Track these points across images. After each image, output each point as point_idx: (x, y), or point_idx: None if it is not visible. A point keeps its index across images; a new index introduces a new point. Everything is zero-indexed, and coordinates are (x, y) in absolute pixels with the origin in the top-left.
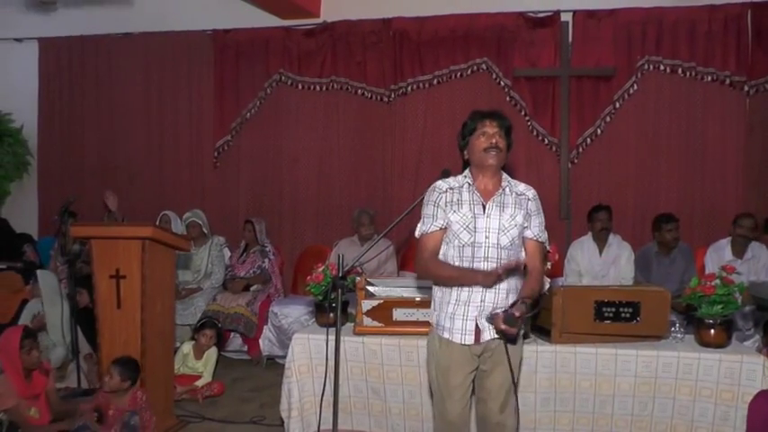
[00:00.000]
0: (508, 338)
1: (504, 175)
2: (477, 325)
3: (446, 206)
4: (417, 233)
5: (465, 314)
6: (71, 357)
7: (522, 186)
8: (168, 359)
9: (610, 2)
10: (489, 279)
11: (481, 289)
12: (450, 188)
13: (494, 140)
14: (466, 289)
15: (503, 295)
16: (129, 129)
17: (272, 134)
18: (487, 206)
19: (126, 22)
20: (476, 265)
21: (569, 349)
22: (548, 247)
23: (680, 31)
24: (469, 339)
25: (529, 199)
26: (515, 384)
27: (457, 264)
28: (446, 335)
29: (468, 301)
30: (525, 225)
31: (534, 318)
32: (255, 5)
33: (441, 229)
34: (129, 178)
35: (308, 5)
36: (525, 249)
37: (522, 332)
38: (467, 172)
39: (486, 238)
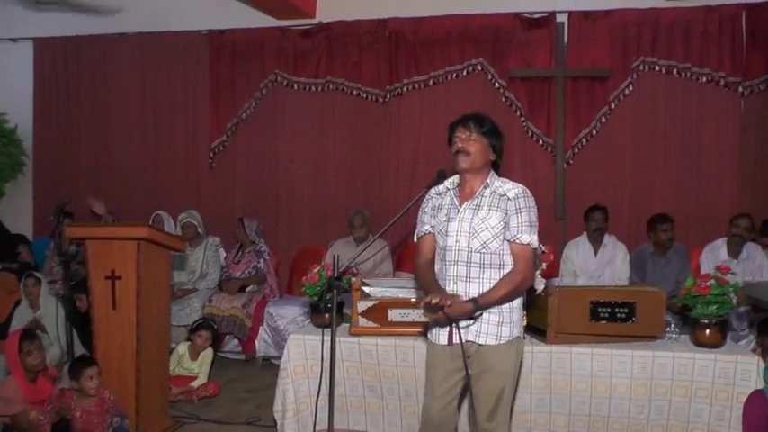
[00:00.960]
0: (440, 324)
1: (492, 177)
2: (450, 326)
3: (431, 211)
4: (414, 238)
5: None
6: (66, 359)
7: (508, 186)
8: (164, 360)
9: (605, 3)
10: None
11: (452, 289)
12: (438, 194)
13: (460, 145)
14: (444, 288)
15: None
16: (124, 129)
17: (267, 135)
18: (461, 209)
19: (121, 23)
20: (448, 268)
21: (565, 350)
22: (541, 248)
23: (675, 31)
24: (443, 340)
25: (509, 199)
26: (513, 393)
27: (437, 266)
28: (429, 335)
29: None
30: (503, 227)
31: (529, 318)
32: (251, 6)
33: (428, 233)
34: (124, 180)
35: (304, 6)
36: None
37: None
38: (454, 177)
39: (456, 241)
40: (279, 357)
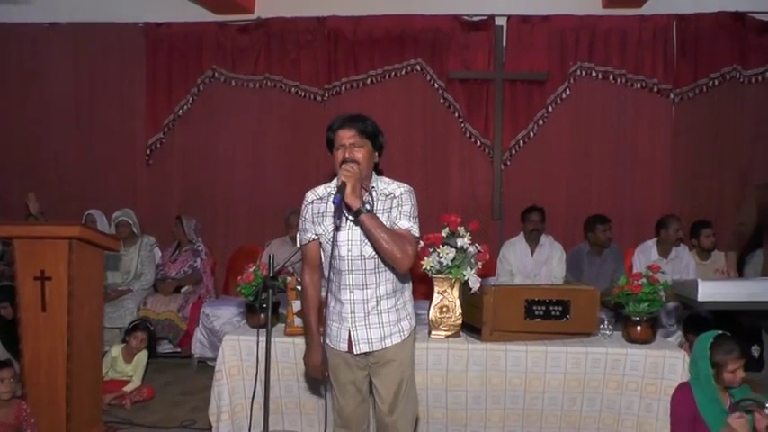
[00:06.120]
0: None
1: (374, 179)
2: (350, 334)
3: (312, 218)
4: (298, 243)
5: (339, 322)
6: None
7: (393, 186)
8: (96, 364)
9: (544, 8)
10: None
11: (349, 298)
12: (319, 198)
13: (347, 154)
14: (339, 296)
15: (372, 304)
16: (57, 124)
17: (204, 132)
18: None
19: (53, 11)
20: (343, 278)
21: (500, 347)
22: (476, 248)
23: (611, 38)
24: (344, 346)
25: (394, 197)
26: (413, 384)
27: (327, 273)
28: (326, 339)
29: (341, 311)
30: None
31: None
32: None
33: (312, 240)
34: (57, 177)
35: (243, 1)
36: None
37: None
38: (334, 180)
39: (348, 251)
40: (215, 359)
